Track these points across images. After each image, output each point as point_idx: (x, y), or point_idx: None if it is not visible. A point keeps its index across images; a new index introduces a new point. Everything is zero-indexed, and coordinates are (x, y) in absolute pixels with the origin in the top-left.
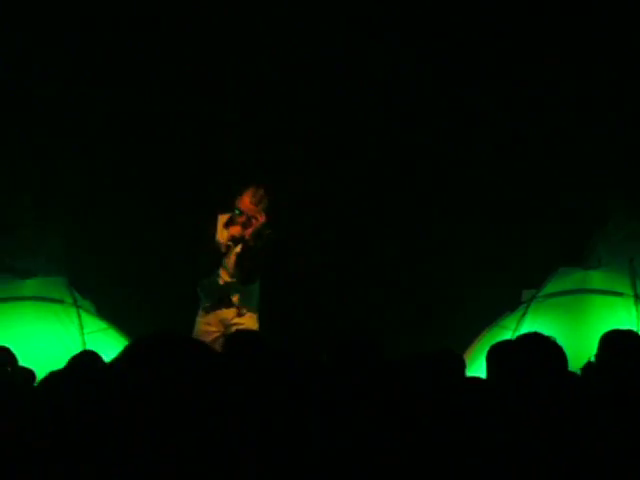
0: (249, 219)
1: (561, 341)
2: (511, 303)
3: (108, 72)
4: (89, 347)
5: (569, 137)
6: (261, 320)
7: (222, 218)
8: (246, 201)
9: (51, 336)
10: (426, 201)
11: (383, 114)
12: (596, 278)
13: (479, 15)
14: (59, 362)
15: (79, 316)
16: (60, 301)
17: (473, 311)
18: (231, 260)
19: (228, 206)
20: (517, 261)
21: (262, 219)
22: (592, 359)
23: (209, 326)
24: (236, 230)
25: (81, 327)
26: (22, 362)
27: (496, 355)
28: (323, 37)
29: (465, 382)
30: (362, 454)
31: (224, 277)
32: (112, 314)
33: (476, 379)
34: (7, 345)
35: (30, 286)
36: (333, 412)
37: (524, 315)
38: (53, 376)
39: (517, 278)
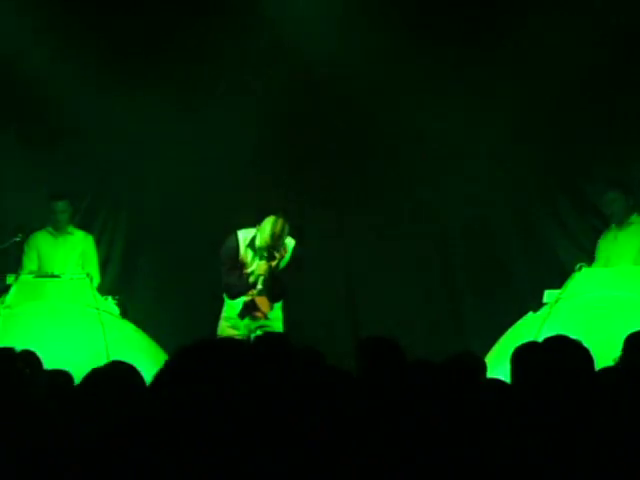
0: (272, 253)
1: (586, 343)
2: (534, 304)
3: None
4: (112, 350)
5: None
6: (287, 323)
7: (244, 237)
8: (268, 234)
9: (74, 338)
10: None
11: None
12: (621, 277)
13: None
14: (82, 364)
15: (103, 319)
16: (84, 303)
17: (495, 312)
18: (258, 288)
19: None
20: (539, 260)
21: (285, 252)
22: (616, 360)
23: (233, 329)
24: (262, 269)
25: (104, 330)
26: (46, 365)
27: (521, 357)
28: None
29: (486, 384)
30: (384, 455)
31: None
32: (136, 317)
33: (497, 381)
34: (29, 347)
35: (54, 287)
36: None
37: (548, 316)
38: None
39: (538, 278)
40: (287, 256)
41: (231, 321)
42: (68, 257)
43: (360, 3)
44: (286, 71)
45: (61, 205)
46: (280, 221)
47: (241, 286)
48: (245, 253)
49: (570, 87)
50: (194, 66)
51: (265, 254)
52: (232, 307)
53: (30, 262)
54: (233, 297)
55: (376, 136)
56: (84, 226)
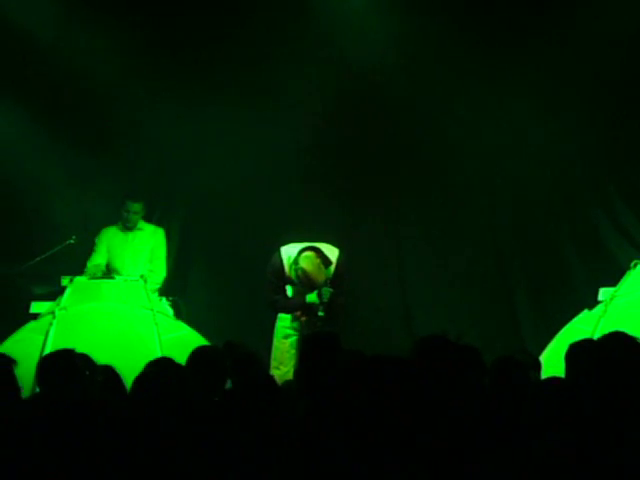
0: (313, 287)
1: None
2: (588, 302)
3: None
4: (166, 351)
5: None
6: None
7: (287, 255)
8: (307, 274)
9: (129, 339)
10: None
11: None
12: None
13: None
14: (136, 365)
15: (157, 320)
16: (138, 305)
17: (550, 311)
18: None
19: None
20: (594, 258)
21: (325, 290)
22: None
23: (289, 330)
24: (327, 296)
25: (158, 331)
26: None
27: (576, 354)
28: None
29: (541, 382)
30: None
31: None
32: (190, 318)
33: (554, 379)
34: (84, 348)
35: (109, 289)
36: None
37: (603, 314)
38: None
39: (594, 276)
40: (332, 267)
41: (286, 322)
42: (137, 253)
43: (405, 2)
44: (335, 76)
45: (136, 206)
46: (317, 260)
47: (287, 307)
48: (290, 271)
49: (620, 77)
50: (248, 73)
51: (317, 301)
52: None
53: (98, 256)
54: (277, 313)
55: (427, 139)
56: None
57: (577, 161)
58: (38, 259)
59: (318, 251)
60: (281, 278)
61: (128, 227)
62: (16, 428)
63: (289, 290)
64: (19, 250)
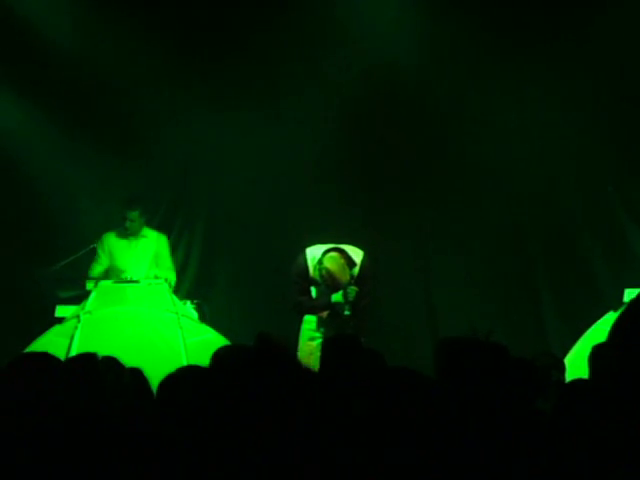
0: (337, 287)
1: None
2: (613, 303)
3: None
4: (191, 354)
5: None
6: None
7: (312, 255)
8: (331, 273)
9: (154, 343)
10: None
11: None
12: None
13: None
14: (161, 369)
15: (181, 323)
16: (163, 308)
17: (575, 312)
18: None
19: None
20: (619, 259)
21: (351, 288)
22: None
23: (314, 332)
24: (352, 295)
25: (183, 334)
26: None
27: (600, 355)
28: None
29: (565, 384)
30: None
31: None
32: (215, 321)
33: (579, 381)
34: (109, 352)
35: (133, 292)
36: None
37: None
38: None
39: (619, 277)
40: (356, 269)
41: (311, 324)
42: (140, 259)
43: (433, 4)
44: (357, 77)
45: (133, 215)
46: (341, 261)
47: (313, 308)
48: (315, 272)
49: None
50: (268, 75)
51: (344, 300)
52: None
53: (99, 265)
54: (302, 314)
55: (451, 140)
56: (162, 232)
57: (602, 162)
58: (63, 263)
59: (342, 252)
60: (305, 279)
61: (130, 234)
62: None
63: (313, 291)
64: (44, 254)
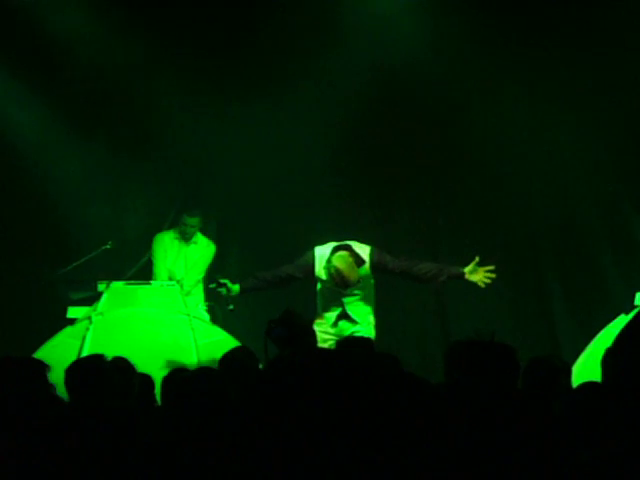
0: (346, 285)
1: None
2: (625, 306)
3: None
4: (203, 356)
5: None
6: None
7: (320, 255)
8: (340, 272)
9: (166, 345)
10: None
11: None
12: None
13: None
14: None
15: (193, 325)
16: (175, 310)
17: (586, 315)
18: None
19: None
20: (630, 262)
21: (358, 280)
22: None
23: (326, 334)
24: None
25: (195, 336)
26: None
27: (612, 358)
28: None
29: (577, 387)
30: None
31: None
32: (227, 323)
33: (590, 384)
34: (121, 353)
35: (145, 294)
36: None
37: None
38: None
39: (630, 280)
40: (366, 266)
41: (323, 326)
42: (188, 264)
43: (443, 5)
44: (366, 73)
45: (193, 221)
46: (349, 258)
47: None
48: (321, 272)
49: None
50: (279, 73)
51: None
52: (325, 316)
53: (161, 264)
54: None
55: (462, 139)
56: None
57: (615, 165)
58: (75, 264)
59: (351, 250)
60: (307, 273)
61: (185, 240)
62: (46, 435)
63: (318, 286)
64: (56, 255)
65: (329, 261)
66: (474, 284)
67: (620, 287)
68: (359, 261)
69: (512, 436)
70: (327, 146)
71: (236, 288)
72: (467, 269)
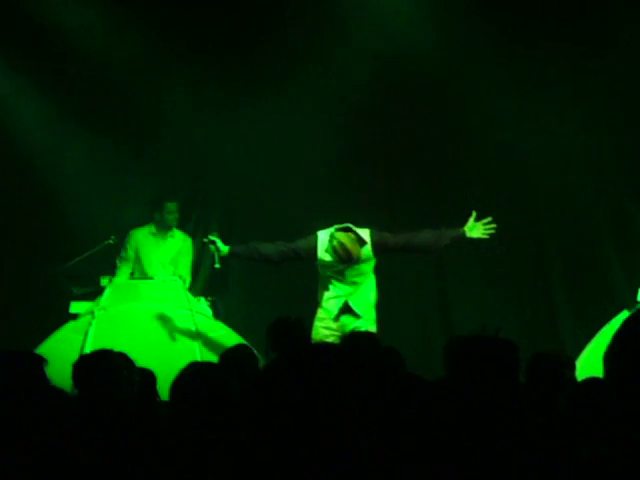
0: (350, 258)
1: None
2: (628, 302)
3: None
4: (205, 351)
5: None
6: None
7: (322, 239)
8: (344, 244)
9: (168, 340)
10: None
11: None
12: None
13: None
14: (175, 365)
15: (196, 320)
16: (177, 305)
17: (589, 311)
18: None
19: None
20: (633, 259)
21: (360, 257)
22: None
23: (327, 330)
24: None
25: (197, 331)
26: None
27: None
28: None
29: (579, 383)
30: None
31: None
32: (229, 318)
33: (593, 379)
34: (123, 348)
35: (147, 289)
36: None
37: None
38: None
39: (633, 277)
40: (368, 247)
41: (325, 322)
42: (165, 258)
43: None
44: (370, 71)
45: (171, 206)
46: (352, 236)
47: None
48: (322, 255)
49: None
50: (280, 65)
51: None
52: (326, 309)
53: (126, 262)
54: (243, 248)
55: (467, 137)
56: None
57: (618, 164)
58: (78, 259)
59: (352, 230)
60: (307, 254)
61: (168, 228)
62: (46, 430)
63: (320, 272)
64: (58, 250)
65: (332, 236)
66: (476, 277)
67: (623, 283)
68: (361, 241)
69: (515, 431)
70: (328, 143)
71: (225, 249)
72: (466, 227)
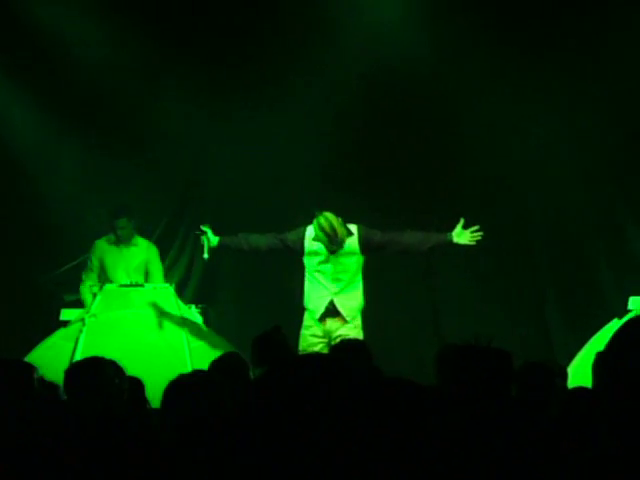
0: (335, 237)
1: None
2: (618, 311)
3: None
4: (195, 358)
5: None
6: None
7: (310, 233)
8: (330, 222)
9: (158, 347)
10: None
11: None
12: None
13: None
14: (165, 373)
15: (186, 327)
16: (167, 313)
17: (579, 320)
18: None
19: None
20: (624, 267)
21: (344, 240)
22: None
23: (315, 337)
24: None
25: (188, 338)
26: (130, 373)
27: (603, 362)
28: None
29: (568, 392)
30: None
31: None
32: (219, 326)
33: (581, 389)
34: (114, 355)
35: (138, 297)
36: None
37: None
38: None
39: (623, 285)
40: (354, 239)
41: (312, 329)
42: (129, 265)
43: (439, 4)
44: (368, 73)
45: (121, 222)
46: (338, 219)
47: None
48: (310, 245)
49: None
50: (272, 70)
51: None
52: (312, 315)
53: (91, 273)
54: (235, 239)
55: (457, 141)
56: (168, 236)
57: (610, 170)
58: (68, 266)
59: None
60: (293, 245)
61: (121, 242)
62: (35, 438)
63: (306, 268)
64: (49, 257)
65: (320, 214)
66: (467, 286)
67: (613, 291)
68: (347, 230)
69: (507, 440)
70: (321, 144)
71: (215, 240)
72: (454, 233)
